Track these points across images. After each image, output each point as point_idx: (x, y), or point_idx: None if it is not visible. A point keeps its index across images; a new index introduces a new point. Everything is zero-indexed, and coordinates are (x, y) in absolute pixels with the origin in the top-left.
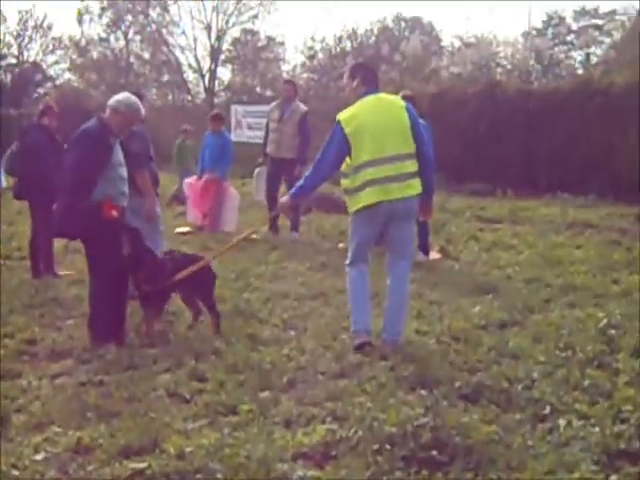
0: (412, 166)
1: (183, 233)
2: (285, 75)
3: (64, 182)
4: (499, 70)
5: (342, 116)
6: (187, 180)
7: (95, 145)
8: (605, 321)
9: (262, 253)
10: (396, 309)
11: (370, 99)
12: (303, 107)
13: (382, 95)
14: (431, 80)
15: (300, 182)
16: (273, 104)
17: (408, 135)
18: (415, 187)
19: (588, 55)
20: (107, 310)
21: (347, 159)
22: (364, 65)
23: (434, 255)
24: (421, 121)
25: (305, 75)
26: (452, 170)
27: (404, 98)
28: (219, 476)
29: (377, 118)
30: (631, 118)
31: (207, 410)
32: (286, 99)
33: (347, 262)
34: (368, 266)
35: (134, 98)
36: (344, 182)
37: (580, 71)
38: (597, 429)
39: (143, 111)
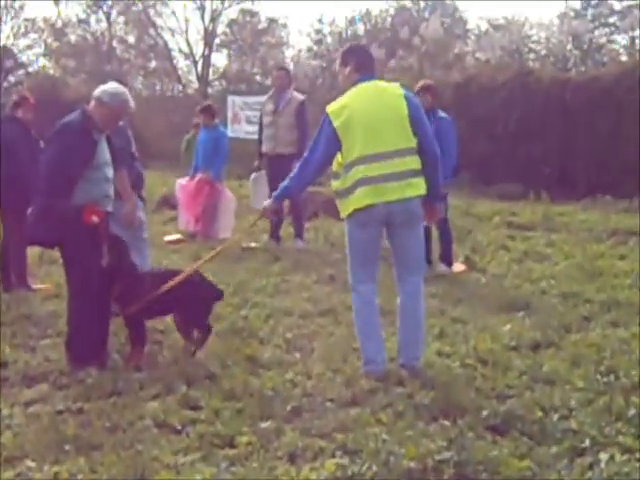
0: (413, 163)
1: (173, 241)
2: (289, 62)
3: (40, 182)
4: (532, 56)
5: (330, 108)
6: (179, 181)
7: (76, 141)
8: None
9: (263, 264)
10: (411, 331)
11: (363, 87)
12: (299, 96)
13: (378, 82)
14: (454, 67)
15: (285, 182)
16: (266, 96)
17: (407, 127)
18: (417, 187)
19: (633, 39)
20: (87, 328)
21: (338, 157)
22: (358, 49)
23: (458, 267)
24: (442, 114)
25: (311, 62)
26: (478, 170)
27: (423, 88)
28: None
29: (371, 108)
30: None
31: (201, 442)
32: (279, 88)
33: (350, 283)
34: (375, 285)
35: (122, 88)
36: (334, 184)
37: (624, 57)
38: None
39: (132, 103)
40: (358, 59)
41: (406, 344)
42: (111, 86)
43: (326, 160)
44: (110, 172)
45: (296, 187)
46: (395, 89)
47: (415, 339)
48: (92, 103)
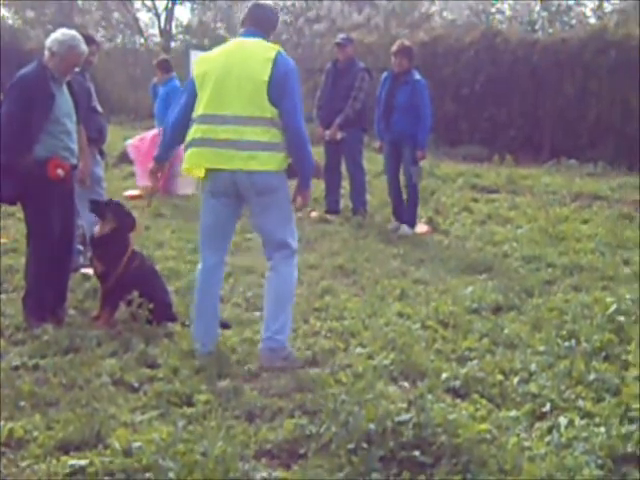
0: (259, 134)
1: (133, 196)
2: None
3: None
4: (499, 17)
5: (198, 58)
6: (129, 142)
7: (33, 94)
8: (614, 307)
9: None
10: (270, 309)
11: (234, 42)
12: None
13: (249, 40)
14: (421, 27)
15: (162, 140)
16: None
17: (262, 95)
18: (266, 161)
19: (601, 2)
20: (45, 284)
21: None
22: (252, 6)
23: (421, 228)
24: (417, 77)
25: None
26: (443, 131)
27: (400, 50)
28: (171, 475)
29: (227, 66)
30: None
31: (158, 400)
32: None
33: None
34: (222, 258)
35: (72, 34)
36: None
37: (592, 20)
38: (602, 429)
39: (84, 48)
40: (246, 14)
41: (265, 325)
42: (61, 33)
43: (184, 109)
44: (71, 124)
45: (165, 142)
46: (267, 51)
47: (274, 318)
48: (46, 54)
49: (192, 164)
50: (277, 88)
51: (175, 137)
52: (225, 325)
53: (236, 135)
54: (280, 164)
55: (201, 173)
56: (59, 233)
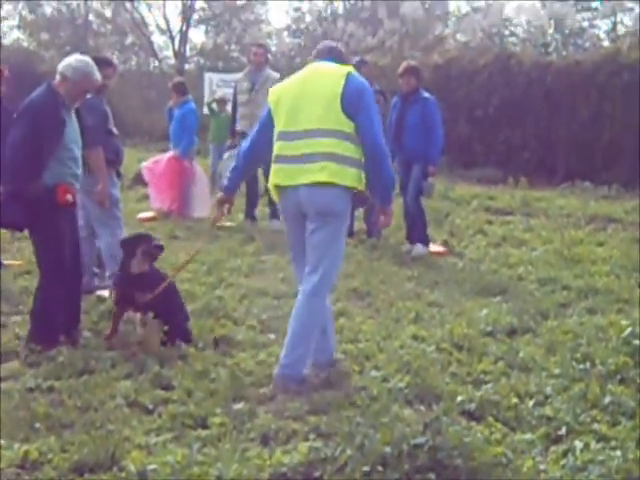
0: (333, 146)
1: (147, 219)
2: (268, 40)
3: (9, 164)
4: (513, 40)
5: (272, 89)
6: (144, 164)
7: (44, 119)
8: (629, 330)
9: (237, 244)
10: (292, 336)
11: (306, 68)
12: (275, 74)
13: (323, 64)
14: (435, 49)
15: (232, 167)
16: (241, 74)
17: (336, 108)
18: (336, 174)
19: (615, 24)
20: (59, 308)
21: None
22: (322, 45)
23: (436, 248)
24: (426, 95)
25: (291, 40)
26: (457, 153)
27: (406, 70)
28: None
29: (301, 86)
30: None
31: (173, 422)
32: (256, 65)
33: None
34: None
35: (86, 60)
36: None
37: (606, 43)
38: (618, 452)
39: (98, 76)
40: (317, 48)
41: (285, 351)
42: (75, 59)
43: (260, 138)
44: (78, 150)
45: (237, 171)
46: (338, 70)
47: (294, 346)
48: (57, 78)
49: (271, 182)
50: (351, 101)
51: (246, 165)
52: None
53: (309, 149)
54: (352, 180)
55: (277, 195)
56: (69, 256)
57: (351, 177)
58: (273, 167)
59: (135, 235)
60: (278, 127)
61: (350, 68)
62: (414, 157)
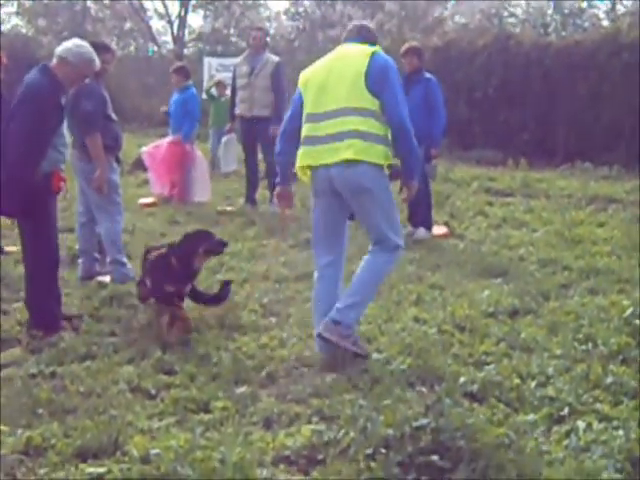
0: (363, 124)
1: (148, 204)
2: (266, 23)
3: (13, 152)
4: (512, 20)
5: (301, 73)
6: (144, 149)
7: (47, 106)
8: (630, 310)
9: (238, 228)
10: (351, 285)
11: (334, 51)
12: (275, 57)
13: (350, 46)
14: (434, 31)
15: (276, 154)
16: (240, 58)
17: (361, 85)
18: (363, 151)
19: (614, 4)
20: (55, 292)
21: None
22: (353, 25)
23: (439, 229)
24: (428, 75)
25: (289, 23)
26: (457, 135)
27: (409, 50)
28: None
29: (329, 67)
30: None
31: (175, 407)
32: (255, 49)
33: None
34: (330, 258)
35: (86, 45)
36: None
37: (605, 23)
38: (621, 432)
39: (97, 61)
40: (346, 32)
41: (339, 304)
42: (75, 43)
43: (294, 122)
44: (66, 136)
45: (276, 156)
46: (363, 50)
47: (348, 301)
48: (55, 61)
49: (299, 163)
50: (376, 79)
51: (286, 148)
52: None
53: (336, 128)
54: (378, 157)
55: (306, 176)
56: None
57: (378, 154)
58: (302, 149)
59: (196, 233)
60: (306, 109)
61: (376, 48)
62: (417, 138)
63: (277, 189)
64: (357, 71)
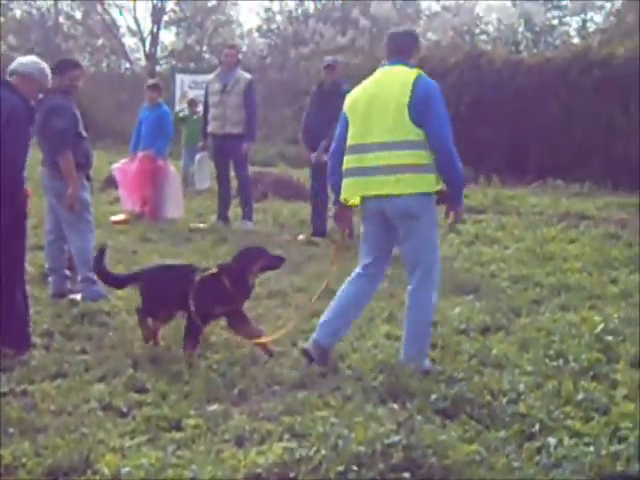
0: (405, 158)
1: (119, 221)
2: (239, 40)
3: (8, 178)
4: (483, 38)
5: (348, 96)
6: (115, 165)
7: (27, 123)
8: (602, 326)
9: (210, 245)
10: (407, 336)
11: (379, 72)
12: (247, 75)
13: (394, 68)
14: None
15: (329, 175)
16: (212, 75)
17: (404, 118)
18: (411, 184)
19: (585, 22)
20: (26, 308)
21: None
22: (389, 35)
23: None
24: None
25: (261, 40)
26: None
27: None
28: None
29: (373, 95)
30: (633, 94)
31: (147, 425)
32: (228, 66)
33: None
34: (367, 270)
35: (40, 61)
36: None
37: (576, 40)
38: (592, 449)
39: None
40: (386, 45)
41: (404, 342)
42: (32, 60)
43: (340, 141)
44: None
45: (329, 177)
46: (406, 76)
47: (406, 341)
48: (17, 78)
49: (348, 194)
50: (419, 110)
51: (338, 167)
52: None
53: (383, 161)
54: (430, 185)
55: (357, 201)
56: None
57: (427, 182)
58: (348, 180)
59: (250, 250)
60: (350, 139)
61: (417, 73)
62: None
63: (335, 210)
64: (400, 102)
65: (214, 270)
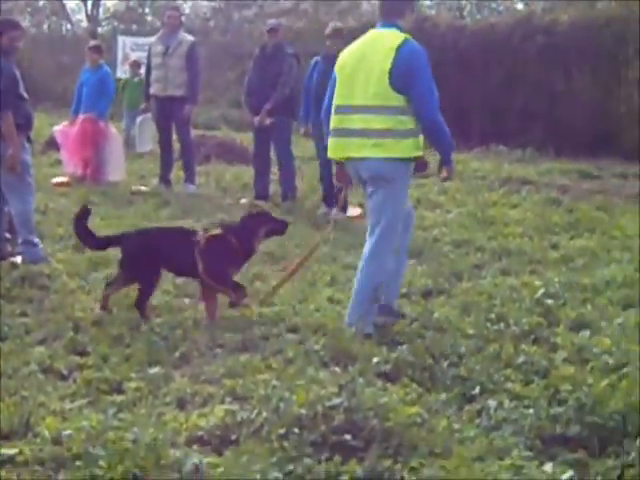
0: (385, 122)
1: (60, 184)
2: (181, 3)
3: None
4: (427, 3)
5: (340, 56)
6: (56, 128)
7: None
8: (542, 290)
9: (152, 208)
10: (354, 297)
11: (367, 34)
12: (190, 37)
13: (383, 31)
14: (350, 13)
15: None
16: (154, 37)
17: (385, 84)
18: (387, 148)
19: None
20: None
21: None
22: None
23: (354, 211)
24: None
25: (205, 3)
26: None
27: (335, 31)
28: (101, 463)
29: (357, 57)
30: (576, 61)
31: (88, 388)
32: (171, 29)
33: None
34: (372, 230)
35: None
36: None
37: (520, 6)
38: (531, 411)
39: None
40: (379, 7)
41: (349, 306)
42: None
43: (331, 101)
44: None
45: (325, 137)
46: (392, 40)
47: (352, 303)
48: None
49: (332, 153)
50: (401, 76)
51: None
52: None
53: (365, 124)
54: (405, 151)
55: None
56: None
57: (406, 148)
58: (331, 140)
59: (257, 214)
60: (336, 99)
61: (402, 38)
62: None
63: (336, 169)
64: (382, 68)
65: (218, 231)
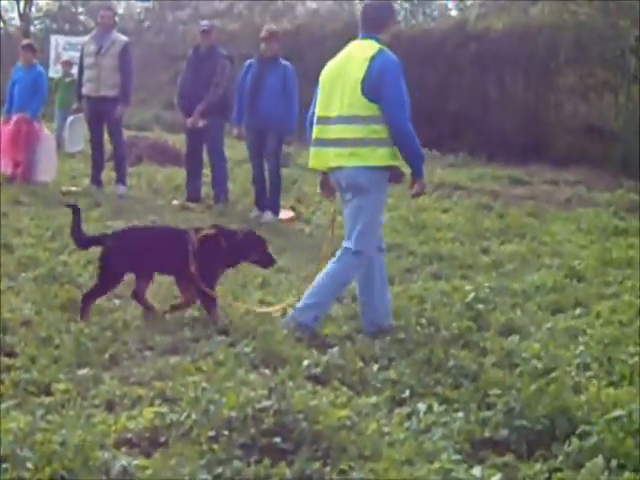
0: (359, 132)
1: None
2: (115, 3)
3: None
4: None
5: (325, 67)
6: None
7: None
8: (472, 295)
9: (83, 209)
10: (311, 288)
11: (350, 45)
12: (123, 37)
13: (362, 42)
14: (284, 15)
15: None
16: (88, 37)
17: (358, 93)
18: (363, 157)
19: None
20: None
21: None
22: (363, 6)
23: (285, 214)
24: (284, 62)
25: (139, 3)
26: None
27: (270, 34)
28: (29, 465)
29: (335, 69)
30: (509, 68)
31: (16, 389)
32: (104, 28)
33: None
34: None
35: None
36: None
37: (454, 13)
38: (461, 415)
39: None
40: (360, 18)
41: (305, 301)
42: None
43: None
44: None
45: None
46: (367, 51)
47: (307, 293)
48: None
49: (313, 163)
50: (372, 86)
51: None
52: None
53: (341, 134)
54: (380, 159)
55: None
56: None
57: (382, 156)
58: (312, 150)
59: (259, 237)
60: (317, 110)
61: (377, 48)
62: (270, 123)
63: (321, 177)
64: (356, 78)
65: (210, 232)
